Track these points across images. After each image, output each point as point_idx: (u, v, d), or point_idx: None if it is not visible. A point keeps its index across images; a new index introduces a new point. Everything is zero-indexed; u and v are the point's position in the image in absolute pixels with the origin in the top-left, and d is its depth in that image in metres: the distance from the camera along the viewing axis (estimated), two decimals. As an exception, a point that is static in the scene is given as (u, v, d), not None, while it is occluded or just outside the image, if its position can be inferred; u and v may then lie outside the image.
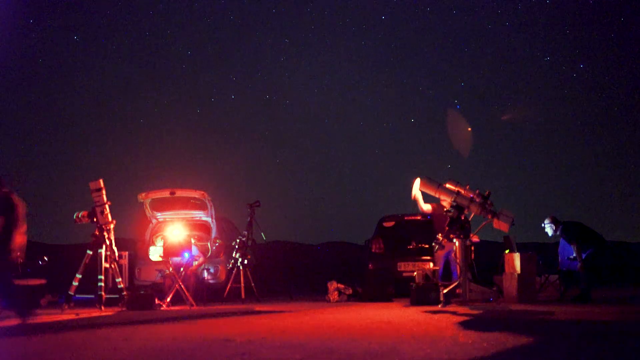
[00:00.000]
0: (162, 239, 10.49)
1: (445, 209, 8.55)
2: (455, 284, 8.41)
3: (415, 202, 9.37)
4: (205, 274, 10.82)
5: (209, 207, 11.31)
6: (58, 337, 5.47)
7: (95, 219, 8.72)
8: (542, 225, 9.39)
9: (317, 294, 11.72)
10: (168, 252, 9.39)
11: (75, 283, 8.52)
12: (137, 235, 12.13)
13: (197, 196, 11.20)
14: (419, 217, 11.88)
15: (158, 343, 4.81)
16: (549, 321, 6.09)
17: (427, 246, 11.08)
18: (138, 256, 11.39)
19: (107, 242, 8.67)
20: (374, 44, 31.53)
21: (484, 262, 11.76)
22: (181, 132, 30.49)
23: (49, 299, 10.31)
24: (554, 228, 9.22)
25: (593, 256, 8.90)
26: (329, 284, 10.34)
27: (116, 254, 8.87)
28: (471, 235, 8.68)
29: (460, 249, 8.39)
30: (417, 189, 8.89)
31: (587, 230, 9.17)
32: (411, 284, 8.76)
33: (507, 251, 9.50)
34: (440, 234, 8.53)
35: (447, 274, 9.58)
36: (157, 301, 8.77)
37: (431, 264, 9.93)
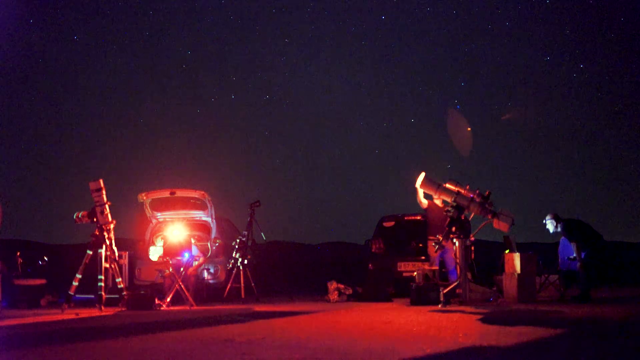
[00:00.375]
0: (162, 239, 10.48)
1: (445, 209, 8.56)
2: (455, 284, 8.42)
3: (415, 192, 9.43)
4: (205, 274, 10.81)
5: (209, 207, 11.30)
6: (58, 338, 5.47)
7: (95, 219, 8.72)
8: (544, 221, 9.38)
9: (317, 294, 11.71)
10: (168, 252, 9.39)
11: (75, 283, 8.51)
12: (137, 235, 12.12)
13: (197, 196, 11.20)
14: (419, 217, 11.86)
15: (158, 343, 4.81)
16: (548, 321, 6.09)
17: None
18: (138, 256, 11.38)
19: (107, 242, 8.67)
20: (374, 44, 31.52)
21: (484, 262, 11.77)
22: (181, 132, 30.47)
23: (49, 299, 10.31)
24: (555, 225, 9.22)
25: (592, 255, 8.89)
26: (329, 284, 10.33)
27: (116, 254, 8.87)
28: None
29: (460, 249, 8.39)
30: (419, 183, 8.91)
31: (587, 228, 9.16)
32: (411, 284, 8.76)
33: (507, 251, 9.50)
34: (440, 234, 8.54)
35: (442, 274, 9.58)
36: (157, 301, 8.76)
37: (432, 263, 9.93)
